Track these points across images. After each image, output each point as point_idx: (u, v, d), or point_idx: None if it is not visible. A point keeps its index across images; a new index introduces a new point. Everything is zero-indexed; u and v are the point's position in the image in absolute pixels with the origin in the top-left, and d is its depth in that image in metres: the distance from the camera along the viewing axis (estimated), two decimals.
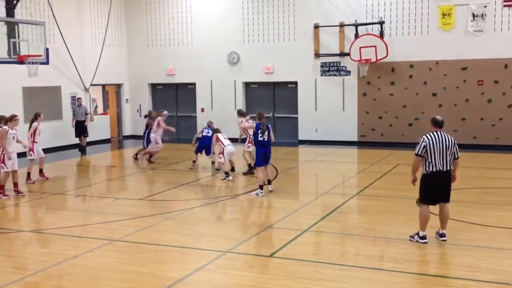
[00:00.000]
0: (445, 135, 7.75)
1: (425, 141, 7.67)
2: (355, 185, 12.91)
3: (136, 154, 16.84)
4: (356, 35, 18.79)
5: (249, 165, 13.70)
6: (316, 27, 19.55)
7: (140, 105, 22.86)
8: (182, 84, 22.31)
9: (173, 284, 6.50)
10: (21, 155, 12.82)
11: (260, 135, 11.41)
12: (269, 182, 11.75)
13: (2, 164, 11.35)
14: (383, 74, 18.96)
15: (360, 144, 19.45)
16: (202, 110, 21.67)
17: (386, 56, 18.21)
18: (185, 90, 22.33)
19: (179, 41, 21.92)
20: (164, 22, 22.11)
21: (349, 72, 19.43)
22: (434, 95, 18.39)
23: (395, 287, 6.33)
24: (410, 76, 18.67)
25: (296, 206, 10.58)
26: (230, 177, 13.04)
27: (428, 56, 18.28)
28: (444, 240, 7.85)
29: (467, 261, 7.12)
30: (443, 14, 18.04)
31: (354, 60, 18.74)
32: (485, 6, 17.50)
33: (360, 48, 18.46)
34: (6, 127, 11.44)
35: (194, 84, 21.95)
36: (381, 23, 18.54)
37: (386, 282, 6.50)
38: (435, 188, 7.74)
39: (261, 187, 11.37)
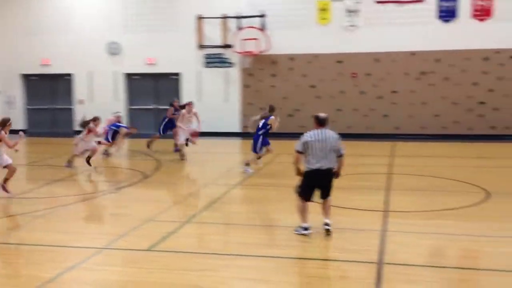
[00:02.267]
0: (328, 133, 7.60)
1: (305, 139, 7.55)
2: (238, 176, 13.04)
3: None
4: (239, 27, 18.97)
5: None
6: (199, 18, 19.46)
7: (10, 97, 21.36)
8: (58, 75, 21.17)
9: (42, 284, 6.12)
10: None
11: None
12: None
13: None
14: (265, 66, 19.34)
15: (243, 135, 19.69)
16: (81, 102, 20.75)
17: (268, 49, 18.58)
18: (62, 82, 21.22)
19: (55, 29, 20.74)
20: (39, 8, 20.79)
21: (232, 64, 19.59)
22: (312, 87, 19.10)
23: (274, 273, 6.46)
24: (291, 69, 19.22)
25: (177, 197, 10.49)
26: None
27: (307, 50, 18.92)
28: (328, 229, 7.66)
29: (338, 243, 7.41)
30: (320, 9, 18.75)
31: (237, 52, 18.92)
32: (359, 2, 18.45)
33: (243, 40, 18.67)
34: (3, 132, 10.30)
35: (71, 75, 20.93)
36: (263, 16, 18.87)
37: (266, 268, 6.61)
38: (313, 186, 7.65)
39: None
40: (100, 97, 20.52)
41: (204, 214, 9.23)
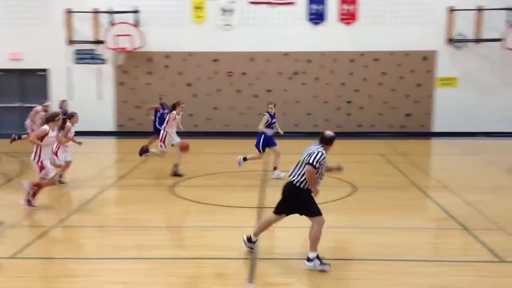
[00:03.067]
0: (310, 147, 7.07)
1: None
2: (112, 176, 12.60)
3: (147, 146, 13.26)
4: (111, 23, 18.34)
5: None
6: (68, 12, 18.51)
7: None
8: None
9: None
10: None
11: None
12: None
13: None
14: (139, 64, 18.88)
15: (119, 134, 19.10)
16: None
17: (142, 45, 18.17)
18: None
19: None
20: None
21: (105, 60, 18.90)
22: (189, 85, 19.00)
23: (149, 274, 6.32)
24: (166, 66, 18.97)
25: (45, 200, 9.84)
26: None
27: (183, 47, 18.76)
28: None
29: (213, 241, 7.42)
30: (195, 8, 18.70)
31: (110, 48, 18.29)
32: (233, 2, 18.66)
33: (116, 36, 18.09)
34: (47, 127, 8.99)
35: None
36: (136, 12, 18.40)
37: (141, 270, 6.45)
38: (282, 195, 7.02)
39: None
40: None
41: (74, 217, 8.79)
